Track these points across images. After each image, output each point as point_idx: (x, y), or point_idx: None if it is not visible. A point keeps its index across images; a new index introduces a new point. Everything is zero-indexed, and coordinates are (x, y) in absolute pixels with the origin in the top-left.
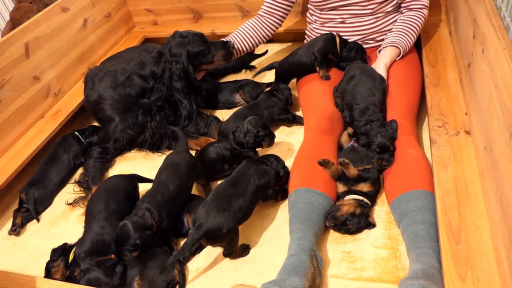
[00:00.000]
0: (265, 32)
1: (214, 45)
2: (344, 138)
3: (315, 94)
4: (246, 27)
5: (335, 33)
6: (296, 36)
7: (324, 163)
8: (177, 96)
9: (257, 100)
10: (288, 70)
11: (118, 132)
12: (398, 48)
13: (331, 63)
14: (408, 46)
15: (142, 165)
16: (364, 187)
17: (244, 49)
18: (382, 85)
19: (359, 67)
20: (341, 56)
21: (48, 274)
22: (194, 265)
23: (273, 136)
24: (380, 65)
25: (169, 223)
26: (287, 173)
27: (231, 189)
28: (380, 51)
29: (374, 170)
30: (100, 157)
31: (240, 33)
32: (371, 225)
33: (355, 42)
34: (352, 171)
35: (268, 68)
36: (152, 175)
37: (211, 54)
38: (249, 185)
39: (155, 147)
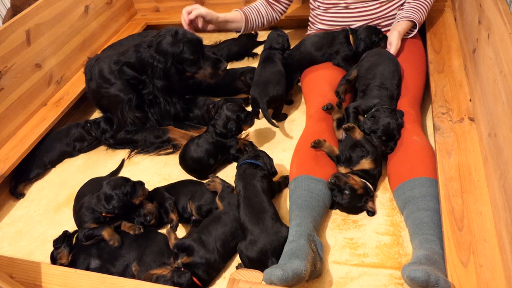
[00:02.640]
0: (272, 17)
1: (205, 59)
2: (337, 133)
3: (316, 83)
4: (258, 6)
5: (348, 30)
6: (299, 22)
7: (316, 144)
8: (157, 94)
9: (263, 59)
10: (299, 62)
11: (128, 113)
12: (412, 21)
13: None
14: (421, 20)
15: (149, 169)
16: (366, 163)
17: (254, 26)
18: (400, 72)
19: (379, 51)
20: (356, 50)
21: (54, 261)
22: None
23: (253, 115)
24: (394, 32)
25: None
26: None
27: (253, 217)
28: (393, 23)
29: (378, 148)
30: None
31: (254, 9)
32: (370, 211)
33: (364, 29)
34: (358, 134)
35: None
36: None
37: (198, 67)
38: (263, 200)
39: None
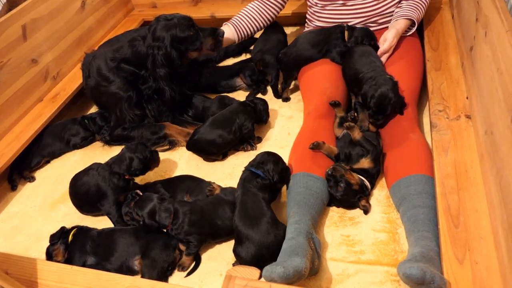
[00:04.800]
0: (269, 15)
1: (202, 32)
2: (336, 130)
3: (314, 80)
4: (249, 10)
5: (344, 26)
6: (297, 19)
7: (315, 146)
8: (160, 84)
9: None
10: (296, 59)
11: (127, 111)
12: (411, 20)
13: None
14: (419, 18)
15: None
16: (365, 163)
17: (248, 33)
18: (377, 55)
19: (353, 47)
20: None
21: (50, 258)
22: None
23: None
24: (392, 30)
25: None
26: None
27: (248, 220)
28: (392, 21)
29: (378, 147)
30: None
31: (244, 17)
32: (363, 209)
33: (360, 29)
34: (357, 134)
35: None
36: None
37: (199, 41)
38: (260, 206)
39: None
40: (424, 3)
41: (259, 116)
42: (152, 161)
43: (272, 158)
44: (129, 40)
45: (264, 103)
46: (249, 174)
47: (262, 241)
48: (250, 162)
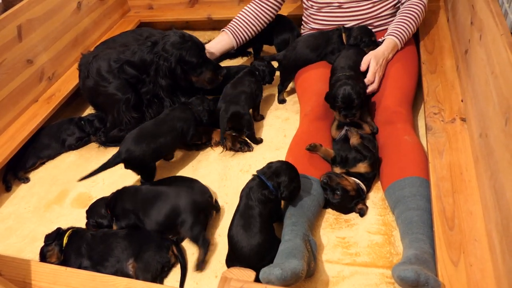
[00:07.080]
0: (265, 17)
1: (206, 63)
2: (333, 132)
3: (311, 81)
4: (246, 14)
5: (341, 29)
6: (297, 22)
7: (312, 148)
8: (161, 93)
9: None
10: (294, 62)
11: (125, 113)
12: (397, 39)
13: None
14: (406, 37)
15: None
16: (362, 167)
17: (246, 38)
18: (357, 57)
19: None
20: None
21: (44, 258)
22: (190, 249)
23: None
24: (372, 58)
25: None
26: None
27: (244, 233)
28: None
29: (376, 152)
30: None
31: (240, 22)
32: (359, 213)
33: (358, 28)
34: (355, 140)
35: (271, 59)
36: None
37: (200, 70)
38: (256, 223)
39: None
40: (415, 18)
41: (264, 79)
42: (213, 111)
43: (288, 172)
44: (139, 44)
45: (268, 64)
46: (258, 183)
47: (253, 266)
48: (263, 168)
